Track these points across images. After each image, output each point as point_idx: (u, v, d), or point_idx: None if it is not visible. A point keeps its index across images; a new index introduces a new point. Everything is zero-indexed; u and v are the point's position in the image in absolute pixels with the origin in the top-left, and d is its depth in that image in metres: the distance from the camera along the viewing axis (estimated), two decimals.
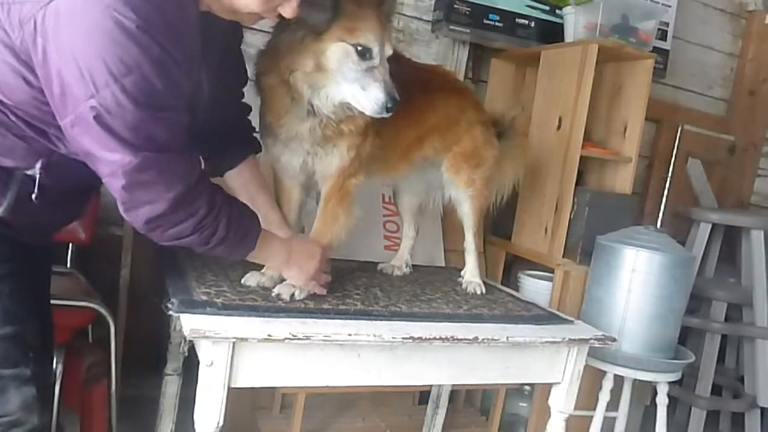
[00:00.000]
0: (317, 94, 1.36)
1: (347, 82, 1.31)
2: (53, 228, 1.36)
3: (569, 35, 2.41)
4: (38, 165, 1.13)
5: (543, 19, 2.57)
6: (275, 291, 1.42)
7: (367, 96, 1.30)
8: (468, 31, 2.47)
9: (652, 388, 2.26)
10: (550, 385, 1.62)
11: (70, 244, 2.05)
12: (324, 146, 1.46)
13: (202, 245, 1.19)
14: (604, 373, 2.00)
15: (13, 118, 1.10)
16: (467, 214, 1.88)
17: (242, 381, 1.23)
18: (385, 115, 1.31)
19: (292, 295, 1.41)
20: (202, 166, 1.24)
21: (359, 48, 1.29)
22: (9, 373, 1.19)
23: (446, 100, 1.80)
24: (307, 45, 1.31)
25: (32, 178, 1.13)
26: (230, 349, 1.20)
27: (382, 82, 1.29)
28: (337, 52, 1.30)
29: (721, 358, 2.84)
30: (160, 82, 1.01)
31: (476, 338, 1.41)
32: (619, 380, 2.05)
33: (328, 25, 1.29)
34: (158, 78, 1.01)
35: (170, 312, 1.25)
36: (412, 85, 1.63)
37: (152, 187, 1.08)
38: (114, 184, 1.06)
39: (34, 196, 1.14)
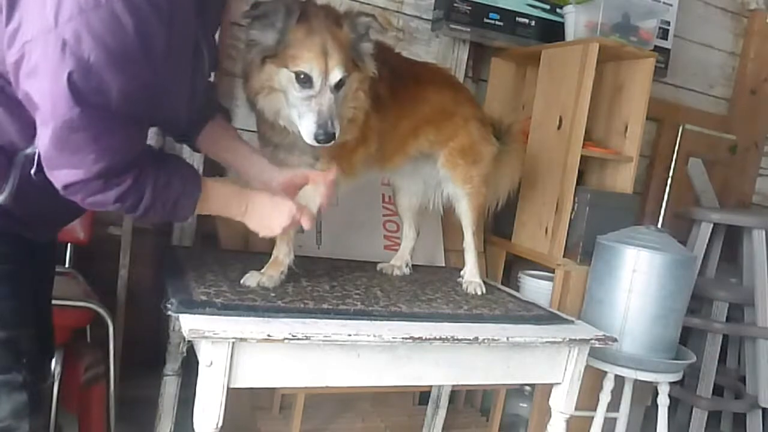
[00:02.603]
0: (279, 116, 1.37)
1: (291, 107, 1.32)
2: (58, 219, 1.31)
3: (570, 34, 2.40)
4: (36, 142, 1.05)
5: (543, 18, 2.56)
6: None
7: (302, 124, 1.30)
8: (468, 30, 2.46)
9: (653, 389, 2.25)
10: (550, 386, 1.62)
11: (69, 244, 2.04)
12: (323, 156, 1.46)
13: (129, 213, 1.13)
14: (604, 373, 1.99)
15: (5, 90, 1.02)
16: (465, 212, 1.88)
17: (241, 381, 1.23)
18: (316, 145, 1.30)
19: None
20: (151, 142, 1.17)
21: (301, 76, 1.28)
22: (0, 379, 1.16)
23: (440, 92, 1.80)
24: (263, 68, 1.32)
25: (31, 159, 1.06)
26: (229, 350, 1.19)
27: (317, 114, 1.28)
28: (282, 77, 1.31)
29: (722, 358, 2.84)
30: (132, 26, 0.92)
31: (476, 338, 1.41)
32: (619, 380, 2.05)
33: (276, 49, 1.29)
34: (131, 20, 0.91)
35: (169, 312, 1.24)
36: (405, 77, 1.65)
37: (80, 152, 0.98)
38: (43, 137, 0.97)
39: (32, 171, 1.06)
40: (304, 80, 1.29)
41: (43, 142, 0.98)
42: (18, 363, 1.18)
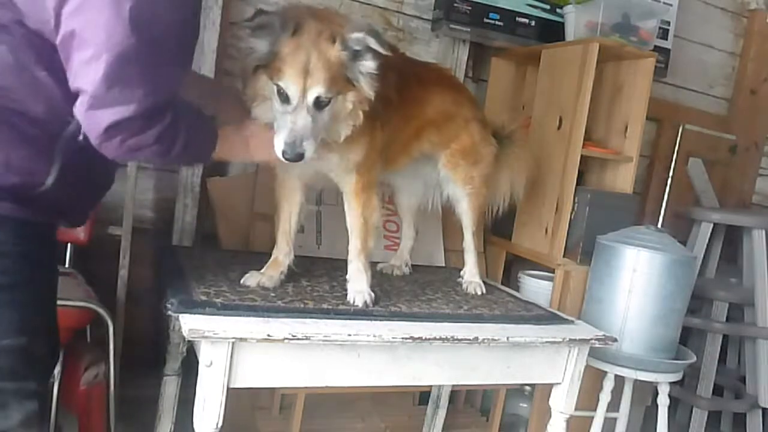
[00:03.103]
0: (274, 125, 1.35)
1: (274, 118, 1.32)
2: (91, 198, 1.29)
3: (570, 34, 2.40)
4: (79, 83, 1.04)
5: (543, 18, 2.56)
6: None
7: (276, 138, 1.29)
8: (468, 29, 2.46)
9: (653, 389, 2.25)
10: (550, 386, 1.62)
11: (69, 244, 2.04)
12: (336, 150, 1.44)
13: (160, 156, 1.13)
14: (604, 373, 1.99)
15: (40, 43, 1.02)
16: (465, 212, 1.88)
17: (241, 381, 1.23)
18: (284, 161, 1.28)
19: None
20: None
21: (281, 90, 1.28)
22: (12, 387, 1.13)
23: (442, 94, 1.79)
24: (255, 76, 1.32)
25: (74, 132, 1.07)
26: (229, 350, 1.19)
27: (289, 131, 1.26)
28: (269, 88, 1.31)
29: (722, 358, 2.84)
30: None
31: (476, 338, 1.41)
32: (619, 380, 2.04)
33: (267, 59, 1.28)
34: None
35: (169, 312, 1.24)
36: (409, 79, 1.63)
37: (131, 86, 0.99)
38: (91, 73, 0.97)
39: (81, 138, 1.06)
40: (284, 95, 1.28)
41: (91, 79, 0.97)
42: (32, 371, 1.16)
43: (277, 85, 1.27)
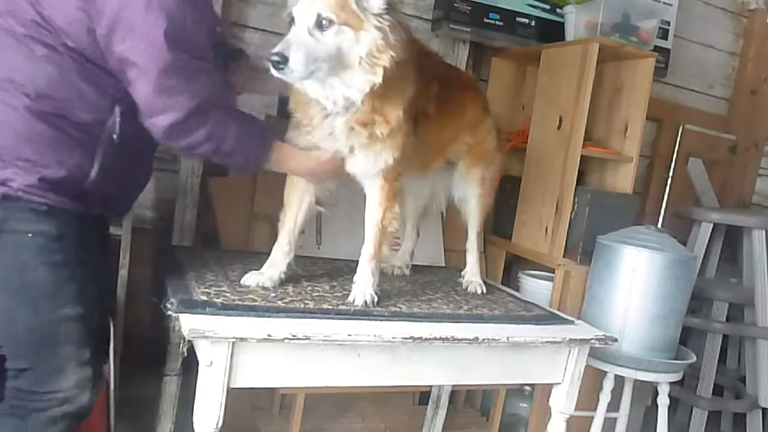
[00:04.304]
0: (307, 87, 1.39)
1: None
2: (132, 189, 1.48)
3: (570, 34, 2.40)
4: (117, 110, 1.27)
5: (543, 18, 2.56)
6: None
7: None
8: (468, 30, 2.46)
9: (653, 389, 2.25)
10: (550, 386, 1.62)
11: None
12: (365, 145, 1.44)
13: (215, 153, 1.31)
14: (604, 373, 1.99)
15: (82, 61, 1.22)
16: (473, 213, 1.91)
17: (242, 381, 1.23)
18: (269, 67, 1.27)
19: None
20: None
21: (291, 19, 1.31)
22: (71, 352, 1.28)
23: (474, 99, 1.87)
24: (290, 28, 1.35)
25: (111, 130, 1.27)
26: (229, 350, 1.19)
27: (284, 40, 1.28)
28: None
29: (722, 358, 2.83)
30: None
31: (477, 338, 1.41)
32: (619, 380, 2.04)
33: None
34: None
35: (169, 312, 1.24)
36: (448, 85, 1.67)
37: (175, 94, 1.21)
38: (142, 89, 1.20)
39: (115, 136, 1.27)
40: (292, 19, 1.30)
41: (143, 93, 1.21)
42: (88, 339, 1.31)
43: (289, 14, 1.31)
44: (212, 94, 1.27)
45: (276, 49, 1.25)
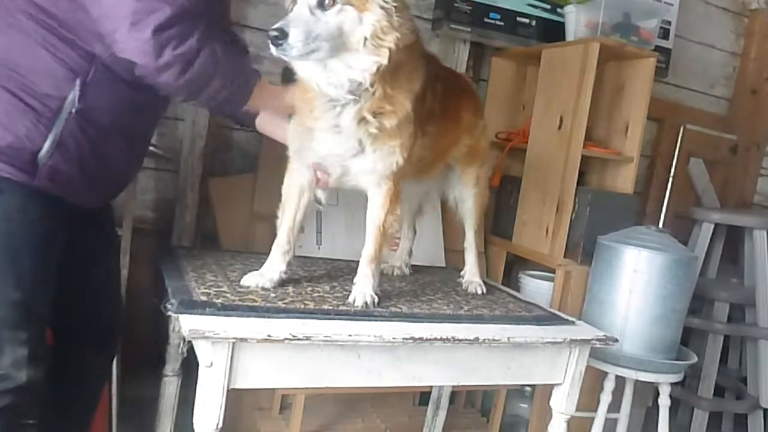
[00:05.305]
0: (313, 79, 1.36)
1: None
2: (109, 181, 1.43)
3: (570, 34, 2.40)
4: (77, 83, 1.23)
5: (544, 18, 2.56)
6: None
7: None
8: (469, 29, 2.46)
9: (653, 389, 2.24)
10: (551, 386, 1.61)
11: None
12: (374, 143, 1.41)
13: (208, 78, 1.27)
14: (605, 374, 1.99)
15: (52, 25, 1.21)
16: (470, 212, 1.91)
17: (242, 382, 1.22)
18: (269, 42, 1.24)
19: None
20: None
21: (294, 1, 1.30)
22: (7, 335, 1.26)
23: (471, 101, 1.87)
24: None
25: (72, 106, 1.23)
26: (230, 350, 1.19)
27: (283, 19, 1.26)
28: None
29: (723, 359, 2.83)
30: None
31: (477, 339, 1.40)
32: (620, 381, 2.04)
33: None
34: None
35: (169, 312, 1.24)
36: (451, 85, 1.68)
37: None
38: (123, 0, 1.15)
39: (74, 110, 1.23)
40: (294, 4, 1.28)
41: (125, 2, 1.15)
42: (27, 322, 1.28)
43: None
44: (200, 4, 1.24)
45: (276, 25, 1.23)
